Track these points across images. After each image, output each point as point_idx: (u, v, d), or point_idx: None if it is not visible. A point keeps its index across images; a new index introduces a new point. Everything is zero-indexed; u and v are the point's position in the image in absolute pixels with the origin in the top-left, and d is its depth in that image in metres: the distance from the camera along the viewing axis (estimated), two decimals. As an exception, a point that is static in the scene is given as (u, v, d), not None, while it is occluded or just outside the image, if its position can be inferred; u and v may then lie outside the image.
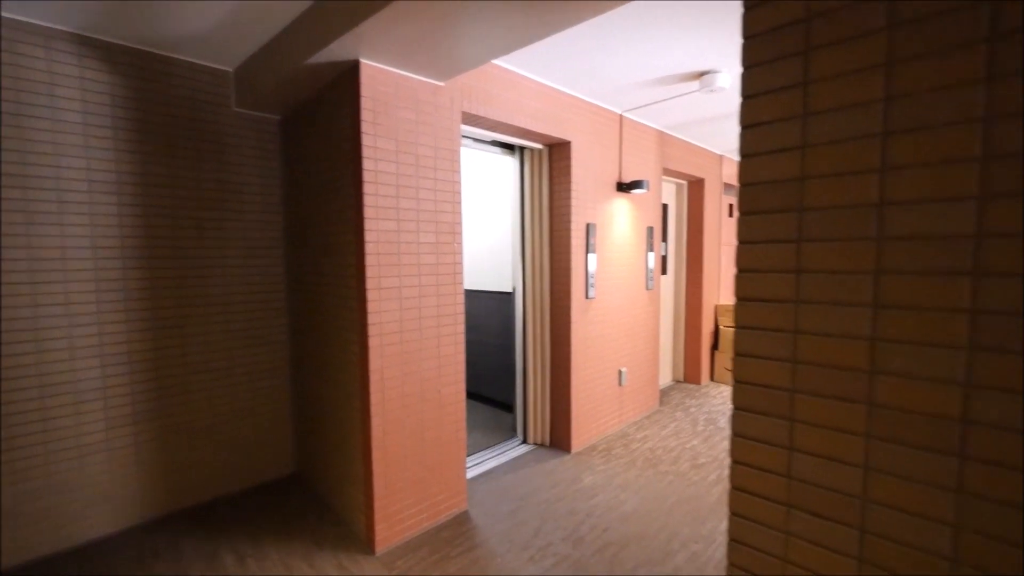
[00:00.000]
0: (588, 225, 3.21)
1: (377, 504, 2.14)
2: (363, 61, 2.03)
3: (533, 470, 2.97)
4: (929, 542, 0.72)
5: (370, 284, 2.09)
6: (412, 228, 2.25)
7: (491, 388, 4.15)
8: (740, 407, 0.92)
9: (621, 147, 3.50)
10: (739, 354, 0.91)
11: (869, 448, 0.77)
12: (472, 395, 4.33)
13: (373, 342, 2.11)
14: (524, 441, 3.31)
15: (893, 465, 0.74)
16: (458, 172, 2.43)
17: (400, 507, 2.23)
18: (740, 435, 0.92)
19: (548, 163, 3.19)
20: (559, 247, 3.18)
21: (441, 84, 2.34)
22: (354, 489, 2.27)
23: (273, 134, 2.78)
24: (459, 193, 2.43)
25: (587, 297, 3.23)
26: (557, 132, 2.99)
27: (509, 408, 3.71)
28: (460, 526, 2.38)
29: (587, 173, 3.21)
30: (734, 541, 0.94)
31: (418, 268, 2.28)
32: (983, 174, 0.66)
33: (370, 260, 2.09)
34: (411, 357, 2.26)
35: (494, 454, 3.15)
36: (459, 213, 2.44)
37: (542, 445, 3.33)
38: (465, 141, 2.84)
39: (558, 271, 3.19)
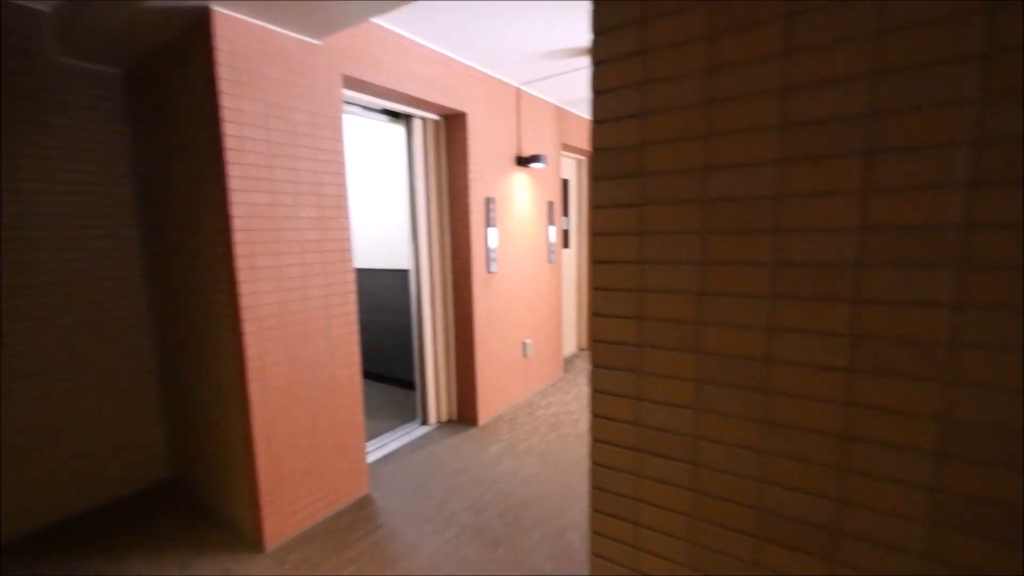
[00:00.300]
0: (487, 199, 3.20)
1: (264, 499, 1.99)
2: (215, 8, 1.77)
3: (439, 446, 2.97)
4: (743, 468, 0.82)
5: (241, 263, 1.90)
6: (290, 202, 2.07)
7: (398, 368, 4.05)
8: (598, 364, 0.97)
9: (519, 120, 3.50)
10: (596, 314, 0.96)
11: (698, 391, 0.85)
12: (378, 376, 4.20)
13: (249, 327, 1.92)
14: (424, 422, 3.25)
15: (715, 404, 0.83)
16: (341, 141, 2.26)
17: (292, 499, 2.11)
18: (598, 390, 0.98)
19: (445, 135, 3.10)
20: (459, 221, 3.13)
21: (317, 43, 2.14)
22: (238, 486, 2.10)
23: (114, 91, 2.37)
24: (343, 164, 2.27)
25: (489, 272, 3.24)
26: (452, 103, 2.90)
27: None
28: (361, 510, 2.31)
29: (485, 146, 3.17)
30: (596, 488, 1.00)
31: (300, 245, 2.11)
32: (780, 141, 0.74)
33: (240, 237, 1.88)
34: (297, 341, 2.11)
35: (400, 434, 3.10)
36: (344, 185, 2.28)
37: (449, 421, 3.34)
38: (352, 109, 2.65)
39: (458, 246, 3.15)
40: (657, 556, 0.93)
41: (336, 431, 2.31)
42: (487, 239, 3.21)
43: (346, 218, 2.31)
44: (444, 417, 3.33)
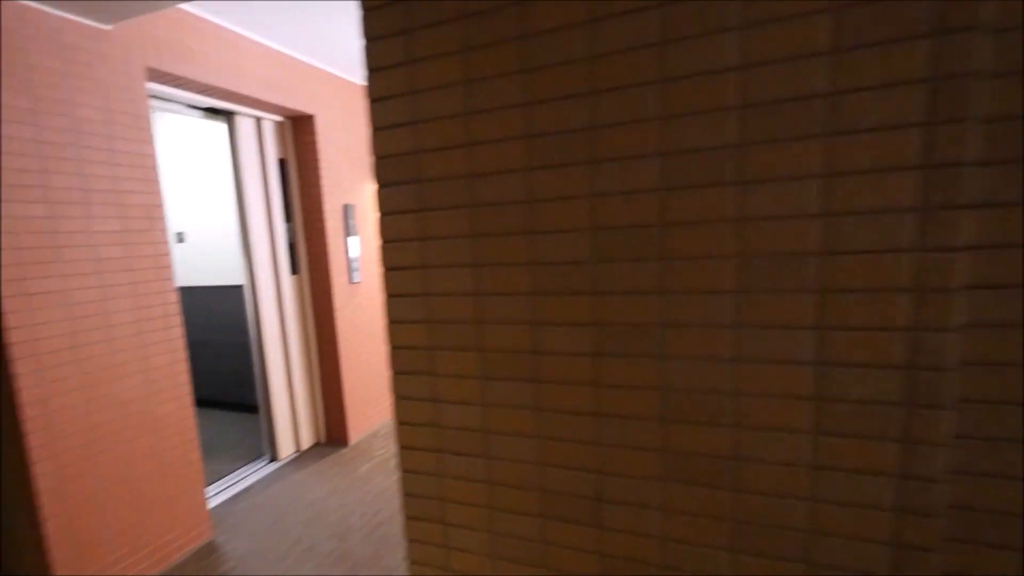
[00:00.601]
0: (346, 206, 3.05)
1: (59, 573, 1.66)
2: (-59, -23, 1.43)
3: (302, 474, 2.75)
4: (525, 454, 0.88)
5: (7, 289, 1.56)
6: (79, 213, 1.75)
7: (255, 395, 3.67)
8: (398, 371, 0.97)
9: (377, 126, 3.40)
10: (391, 321, 0.96)
11: (483, 387, 0.89)
12: (236, 405, 3.78)
13: (22, 367, 1.59)
14: (274, 457, 2.89)
15: (498, 397, 0.88)
16: (150, 142, 1.98)
17: (103, 565, 1.79)
18: (401, 396, 0.97)
19: (292, 138, 2.90)
20: (313, 230, 2.94)
21: (107, 28, 1.85)
22: (25, 562, 1.72)
23: None
24: (154, 168, 2.00)
25: (351, 282, 3.10)
26: (297, 104, 2.72)
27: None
28: (201, 560, 2.05)
29: (339, 151, 3.03)
30: (407, 495, 1.00)
31: (97, 264, 1.80)
32: (525, 151, 0.81)
33: (2, 257, 1.54)
34: (99, 377, 1.80)
35: (255, 468, 2.81)
36: (158, 193, 2.01)
37: (317, 445, 3.11)
38: (171, 106, 2.34)
39: (315, 256, 2.97)
40: (464, 551, 0.96)
41: (164, 476, 2.01)
42: (347, 248, 3.06)
43: (162, 231, 2.03)
44: (308, 443, 3.09)
